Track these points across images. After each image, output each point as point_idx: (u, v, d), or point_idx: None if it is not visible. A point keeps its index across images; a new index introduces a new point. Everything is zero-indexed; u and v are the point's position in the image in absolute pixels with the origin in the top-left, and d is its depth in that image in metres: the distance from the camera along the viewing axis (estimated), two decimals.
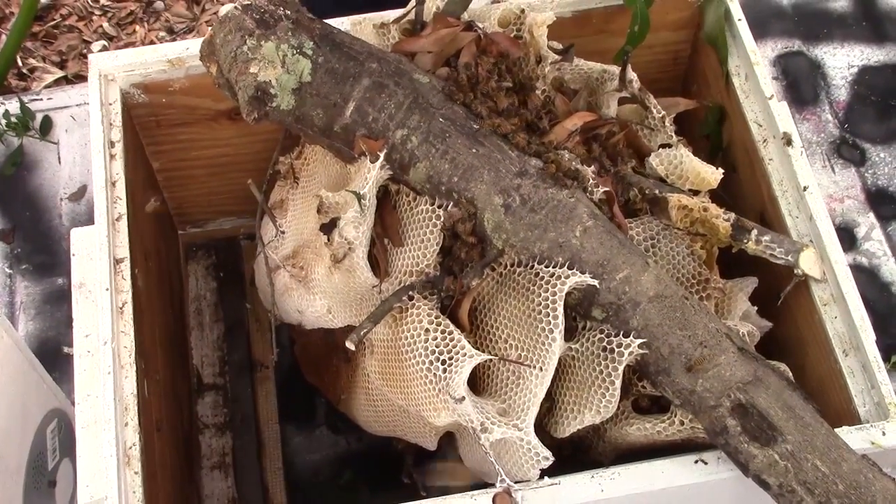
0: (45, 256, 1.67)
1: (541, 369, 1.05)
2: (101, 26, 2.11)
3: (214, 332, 1.57)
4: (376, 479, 1.47)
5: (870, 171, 1.72)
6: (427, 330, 1.07)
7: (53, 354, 1.59)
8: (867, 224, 1.67)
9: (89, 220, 1.64)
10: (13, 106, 1.76)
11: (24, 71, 2.03)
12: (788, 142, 1.23)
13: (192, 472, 1.42)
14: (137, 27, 2.10)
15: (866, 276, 1.62)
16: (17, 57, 1.98)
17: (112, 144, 1.24)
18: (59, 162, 1.75)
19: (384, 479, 1.43)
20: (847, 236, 1.66)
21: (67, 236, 1.56)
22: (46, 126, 1.77)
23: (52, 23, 2.12)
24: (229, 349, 1.55)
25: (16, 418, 1.27)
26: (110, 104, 1.28)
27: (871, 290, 1.61)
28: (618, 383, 1.04)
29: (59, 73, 1.97)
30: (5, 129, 1.75)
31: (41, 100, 1.79)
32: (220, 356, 1.55)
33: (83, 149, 1.75)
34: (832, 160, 1.73)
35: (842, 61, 1.82)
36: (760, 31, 1.84)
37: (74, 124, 1.77)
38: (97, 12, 2.13)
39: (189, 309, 1.58)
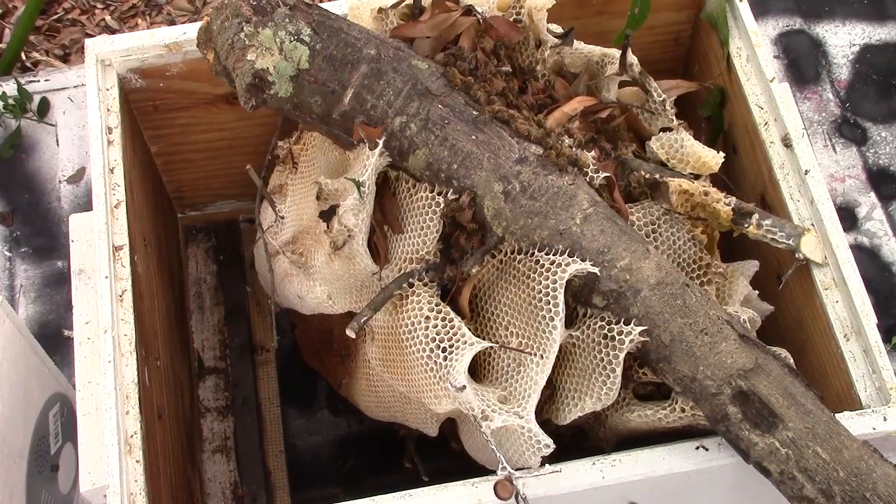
0: (45, 239, 1.67)
1: (542, 357, 1.04)
2: (104, 20, 2.11)
3: (215, 315, 1.57)
4: (377, 463, 1.47)
5: (871, 151, 1.72)
6: (427, 317, 1.07)
7: (54, 338, 1.59)
8: (868, 204, 1.67)
9: (88, 202, 1.63)
10: (10, 88, 1.75)
11: (28, 64, 2.03)
12: (787, 144, 1.23)
13: (193, 456, 1.43)
14: (139, 20, 2.10)
15: (867, 256, 1.62)
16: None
17: (110, 130, 1.24)
18: (57, 144, 1.74)
19: (385, 463, 1.43)
20: (848, 216, 1.66)
21: (66, 219, 1.57)
22: (44, 108, 1.76)
23: (54, 16, 2.12)
24: (230, 332, 1.55)
25: (18, 403, 1.27)
26: (107, 89, 1.27)
27: (872, 270, 1.61)
28: (619, 371, 1.04)
29: (63, 67, 1.97)
30: (3, 111, 1.74)
31: (38, 81, 1.78)
32: (221, 339, 1.55)
33: (81, 130, 1.74)
34: (833, 139, 1.72)
35: (843, 40, 1.81)
36: (761, 8, 1.83)
37: (72, 106, 1.76)
38: (99, 6, 2.13)
39: (189, 292, 1.58)
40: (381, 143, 1.09)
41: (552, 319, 1.04)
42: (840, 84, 1.77)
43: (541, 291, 1.04)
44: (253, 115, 1.16)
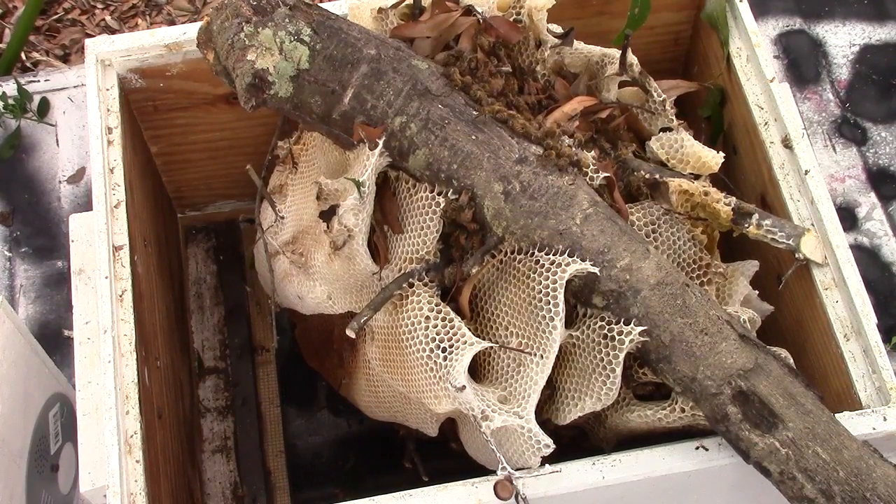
0: (45, 239, 1.67)
1: (541, 357, 1.04)
2: (104, 20, 2.11)
3: (215, 315, 1.57)
4: (377, 463, 1.47)
5: (871, 151, 1.72)
6: (427, 317, 1.07)
7: (54, 338, 1.59)
8: (868, 204, 1.67)
9: (88, 202, 1.64)
10: (10, 88, 1.75)
11: (28, 65, 2.04)
12: (787, 144, 1.23)
13: (193, 456, 1.43)
14: (139, 20, 2.11)
15: (867, 257, 1.62)
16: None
17: (110, 130, 1.24)
18: (57, 144, 1.74)
19: (385, 463, 1.43)
20: (848, 216, 1.66)
21: (66, 219, 1.57)
22: (44, 108, 1.76)
23: (54, 16, 2.13)
24: (230, 332, 1.55)
25: (18, 403, 1.27)
26: (107, 89, 1.27)
27: (872, 271, 1.61)
28: (619, 370, 1.04)
29: (63, 67, 1.98)
30: (3, 111, 1.74)
31: (38, 81, 1.78)
32: (221, 339, 1.55)
33: (81, 130, 1.74)
34: (833, 140, 1.72)
35: (843, 40, 1.81)
36: (761, 9, 1.83)
37: (72, 106, 1.76)
38: (99, 6, 2.14)
39: (189, 292, 1.58)
40: (381, 143, 1.09)
41: (552, 319, 1.04)
42: (840, 84, 1.77)
43: (541, 291, 1.04)
44: (253, 115, 1.16)
